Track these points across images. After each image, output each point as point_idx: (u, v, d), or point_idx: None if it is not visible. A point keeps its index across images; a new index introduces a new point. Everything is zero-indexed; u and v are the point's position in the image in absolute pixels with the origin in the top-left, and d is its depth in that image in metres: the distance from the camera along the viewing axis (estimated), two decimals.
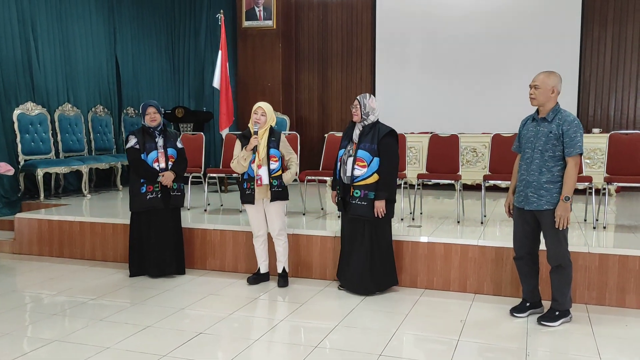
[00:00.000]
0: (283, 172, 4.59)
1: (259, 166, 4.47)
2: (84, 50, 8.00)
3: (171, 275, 4.94)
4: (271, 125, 4.58)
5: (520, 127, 3.87)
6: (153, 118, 4.81)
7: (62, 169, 7.01)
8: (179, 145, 5.00)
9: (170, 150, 4.89)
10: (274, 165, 4.51)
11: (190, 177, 6.46)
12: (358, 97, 4.31)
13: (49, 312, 4.06)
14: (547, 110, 3.65)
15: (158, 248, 4.86)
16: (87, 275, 5.09)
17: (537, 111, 3.72)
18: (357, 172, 4.21)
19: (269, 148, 4.50)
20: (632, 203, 6.83)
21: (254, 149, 4.46)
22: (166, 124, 5.26)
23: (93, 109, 8.16)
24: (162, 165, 4.82)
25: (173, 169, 4.86)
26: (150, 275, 4.90)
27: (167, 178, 4.81)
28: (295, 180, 4.86)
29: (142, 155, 4.78)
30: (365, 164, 4.19)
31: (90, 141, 8.04)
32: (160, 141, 4.86)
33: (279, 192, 4.53)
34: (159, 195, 4.81)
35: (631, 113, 8.16)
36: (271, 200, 4.51)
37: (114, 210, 6.33)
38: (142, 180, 4.77)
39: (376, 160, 4.19)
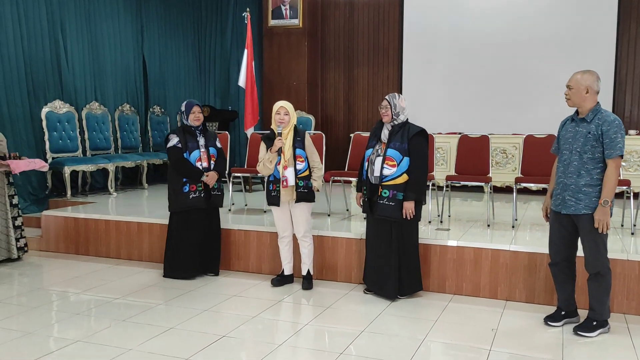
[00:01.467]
0: (310, 172, 4.49)
1: (285, 167, 4.40)
2: (111, 49, 8.04)
3: (210, 275, 4.92)
4: (295, 125, 4.49)
5: (560, 128, 3.71)
6: (197, 117, 4.77)
7: (88, 167, 7.04)
8: (218, 145, 4.97)
9: (212, 150, 4.86)
10: (300, 165, 4.43)
11: None
12: (387, 98, 4.18)
13: (73, 311, 4.04)
14: (586, 110, 3.49)
15: (199, 249, 4.82)
16: (111, 274, 5.08)
17: (577, 112, 3.56)
18: (386, 172, 4.09)
19: (294, 148, 4.42)
20: None
21: (279, 151, 4.37)
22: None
23: (120, 108, 8.19)
24: (205, 164, 4.77)
25: (216, 169, 4.82)
26: (189, 277, 4.83)
27: (211, 178, 4.76)
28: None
29: (185, 154, 4.73)
30: (395, 163, 4.07)
31: (117, 139, 8.08)
32: (201, 140, 4.82)
33: (305, 194, 4.44)
34: (202, 195, 4.76)
35: None
36: (297, 201, 4.42)
37: (139, 209, 6.32)
38: (184, 180, 4.72)
39: (406, 159, 4.07)
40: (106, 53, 7.95)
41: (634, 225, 4.97)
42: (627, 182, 4.92)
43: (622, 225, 5.20)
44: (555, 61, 8.20)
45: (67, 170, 6.71)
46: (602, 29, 8.04)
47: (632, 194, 5.00)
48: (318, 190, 4.52)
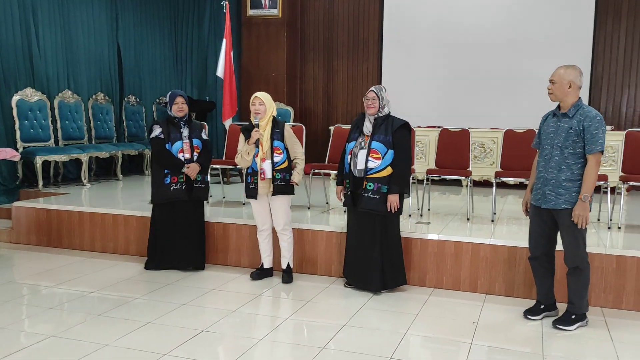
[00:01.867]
0: (289, 164, 4.43)
1: (263, 159, 4.33)
2: (85, 36, 7.83)
3: (194, 269, 4.83)
4: (274, 116, 4.42)
5: (541, 123, 3.72)
6: (181, 108, 4.67)
7: (61, 157, 6.85)
8: (204, 136, 4.87)
9: (196, 141, 4.76)
10: (278, 157, 4.36)
11: None
12: (375, 89, 4.13)
13: (46, 305, 3.93)
14: (568, 105, 3.50)
15: (183, 242, 4.73)
16: (86, 267, 4.95)
17: (559, 106, 3.57)
18: (371, 164, 4.06)
19: (272, 140, 4.35)
20: None
21: (257, 142, 4.30)
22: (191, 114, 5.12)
23: (94, 97, 7.99)
24: (187, 156, 4.68)
25: (198, 161, 4.73)
26: (175, 269, 4.78)
27: (192, 170, 4.67)
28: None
29: (167, 146, 4.63)
30: (380, 155, 4.04)
31: (91, 129, 7.88)
32: (185, 131, 4.72)
33: (282, 187, 4.37)
34: (183, 187, 4.67)
35: None
36: (273, 194, 4.36)
37: (114, 201, 6.19)
38: (166, 171, 4.63)
39: (390, 152, 4.04)
40: (80, 40, 7.74)
41: (611, 220, 5.04)
42: (604, 177, 4.97)
43: (598, 220, 5.27)
44: (533, 57, 8.27)
45: (38, 160, 6.52)
46: (580, 25, 8.13)
47: (608, 189, 5.05)
48: (297, 184, 4.46)
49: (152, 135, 4.68)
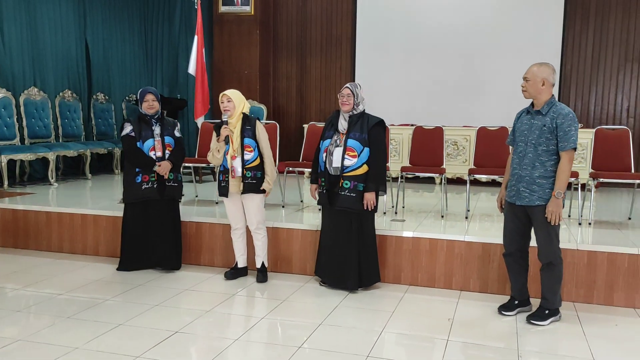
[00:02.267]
0: (261, 162, 4.34)
1: (233, 157, 4.26)
2: (52, 32, 7.63)
3: (170, 270, 4.72)
4: (245, 113, 4.35)
5: (515, 120, 3.74)
6: (151, 105, 4.56)
7: (27, 156, 6.67)
8: (177, 134, 4.75)
9: (168, 139, 4.64)
10: (249, 155, 4.28)
11: None
12: (349, 86, 4.10)
13: (13, 308, 3.79)
14: (542, 102, 3.53)
15: (156, 241, 4.62)
16: (54, 268, 4.81)
17: (532, 104, 3.60)
18: (347, 162, 4.03)
19: (242, 137, 4.28)
20: (611, 198, 6.83)
21: (227, 140, 4.24)
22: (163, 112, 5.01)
23: (61, 94, 7.80)
24: (159, 154, 4.57)
25: (170, 159, 4.61)
26: (147, 268, 4.69)
27: (164, 168, 4.55)
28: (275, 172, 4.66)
29: (138, 144, 4.52)
30: (356, 153, 4.02)
31: (58, 127, 7.69)
32: (157, 129, 4.61)
33: (252, 185, 4.30)
34: (155, 186, 4.56)
35: (611, 108, 8.17)
36: (243, 192, 4.29)
37: (83, 200, 6.04)
38: (137, 170, 4.52)
39: (366, 150, 4.02)
40: (46, 37, 7.54)
41: (581, 216, 5.13)
42: (575, 174, 5.05)
43: (569, 216, 5.35)
44: (503, 56, 8.38)
45: (3, 159, 6.34)
46: (549, 24, 8.26)
47: (579, 185, 5.14)
48: (267, 195, 4.38)
49: (123, 133, 4.58)
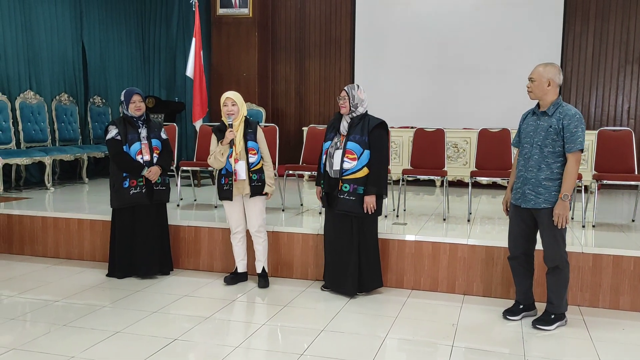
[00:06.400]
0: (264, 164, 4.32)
1: (236, 160, 4.21)
2: (48, 35, 7.56)
3: (158, 275, 4.62)
4: (246, 116, 4.30)
5: (521, 121, 3.68)
6: (138, 107, 4.44)
7: (23, 160, 6.59)
8: (164, 136, 4.63)
9: (155, 142, 4.51)
10: (253, 158, 4.24)
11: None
12: (346, 88, 4.05)
13: (8, 316, 3.71)
14: (548, 103, 3.47)
15: (144, 247, 4.51)
16: (50, 274, 4.73)
17: (538, 105, 3.54)
18: (346, 165, 3.96)
19: (246, 140, 4.22)
20: (614, 200, 6.78)
21: (231, 143, 4.18)
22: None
23: (57, 97, 7.73)
24: (147, 157, 4.44)
25: (159, 163, 4.49)
26: (138, 276, 4.56)
27: (154, 173, 4.43)
28: (274, 174, 4.60)
29: (124, 147, 4.40)
30: (356, 156, 3.95)
31: (54, 131, 7.62)
32: (143, 132, 4.49)
33: (259, 187, 4.26)
34: (143, 191, 4.45)
35: (612, 110, 8.12)
36: (251, 196, 4.24)
37: (79, 205, 5.96)
38: (124, 174, 4.40)
39: (366, 153, 3.95)
40: (42, 39, 7.47)
41: (585, 218, 5.07)
42: (579, 176, 4.99)
43: (572, 219, 5.28)
44: (503, 58, 8.33)
45: None
46: (549, 26, 8.23)
47: (582, 187, 5.08)
48: (268, 197, 4.33)
49: (108, 136, 4.43)
